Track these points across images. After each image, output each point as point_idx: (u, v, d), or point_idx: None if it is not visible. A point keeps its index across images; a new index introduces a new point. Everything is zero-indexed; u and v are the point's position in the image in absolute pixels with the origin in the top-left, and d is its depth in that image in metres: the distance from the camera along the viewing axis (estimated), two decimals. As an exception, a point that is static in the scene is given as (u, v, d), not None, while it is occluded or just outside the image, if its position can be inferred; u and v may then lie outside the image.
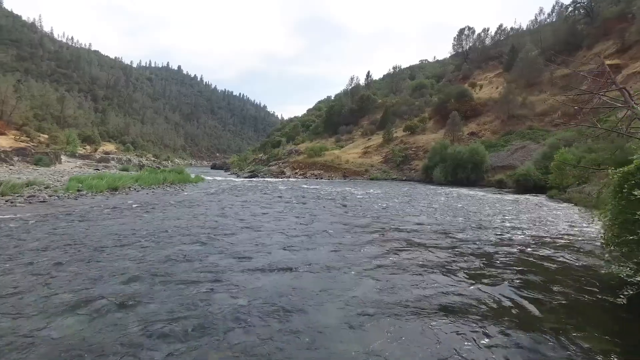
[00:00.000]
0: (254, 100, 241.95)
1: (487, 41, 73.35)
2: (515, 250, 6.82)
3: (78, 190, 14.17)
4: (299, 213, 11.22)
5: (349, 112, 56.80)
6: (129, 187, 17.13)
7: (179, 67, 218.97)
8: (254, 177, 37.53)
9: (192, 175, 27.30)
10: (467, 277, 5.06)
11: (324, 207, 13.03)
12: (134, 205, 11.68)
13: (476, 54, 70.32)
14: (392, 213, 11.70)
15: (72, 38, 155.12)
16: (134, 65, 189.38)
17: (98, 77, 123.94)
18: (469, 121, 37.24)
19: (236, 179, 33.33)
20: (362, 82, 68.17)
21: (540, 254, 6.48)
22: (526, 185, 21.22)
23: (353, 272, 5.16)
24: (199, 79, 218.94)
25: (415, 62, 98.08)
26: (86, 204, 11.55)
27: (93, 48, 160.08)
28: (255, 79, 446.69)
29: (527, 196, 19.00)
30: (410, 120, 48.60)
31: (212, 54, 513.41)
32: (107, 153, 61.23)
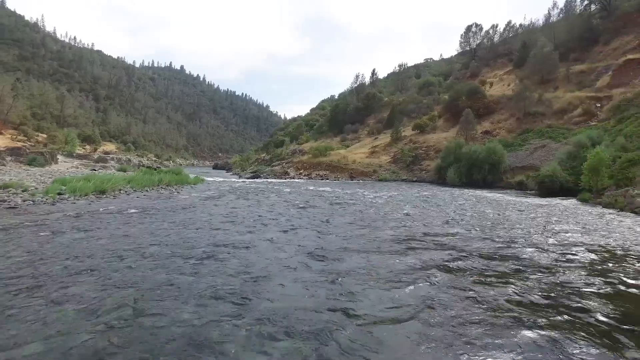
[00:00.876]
0: (257, 100, 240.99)
1: (496, 38, 71.59)
2: (597, 276, 5.15)
3: (59, 194, 12.62)
4: (312, 222, 9.61)
5: (354, 111, 55.15)
6: (119, 190, 15.59)
7: (182, 66, 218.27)
8: (257, 178, 35.97)
9: (192, 176, 25.82)
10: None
11: (340, 215, 11.40)
12: (115, 213, 10.11)
13: (484, 51, 68.54)
14: (418, 221, 10.06)
15: (74, 38, 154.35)
16: (137, 65, 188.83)
17: (100, 76, 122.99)
18: (482, 119, 35.50)
19: (238, 180, 31.81)
20: (367, 80, 66.54)
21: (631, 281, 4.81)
22: (551, 188, 19.48)
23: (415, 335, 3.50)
24: (201, 79, 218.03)
25: (419, 61, 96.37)
26: (61, 211, 9.98)
27: (96, 48, 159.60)
28: (258, 79, 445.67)
29: (555, 199, 17.29)
30: (419, 119, 46.93)
31: (215, 54, 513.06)
32: (106, 153, 59.96)
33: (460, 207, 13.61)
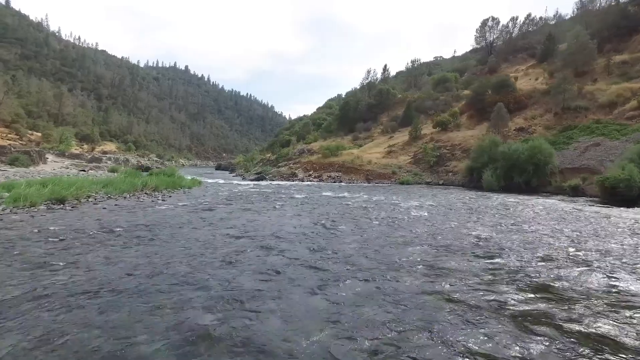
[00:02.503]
0: (261, 100, 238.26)
1: (515, 32, 67.67)
2: None
3: (-8, 204, 9.26)
4: (339, 254, 6.08)
5: (366, 108, 51.49)
6: (88, 197, 12.20)
7: (186, 67, 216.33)
8: (262, 180, 32.53)
9: (188, 177, 22.44)
10: None
11: (376, 236, 7.86)
12: (34, 239, 6.65)
13: (503, 45, 64.62)
14: (509, 252, 6.48)
15: (79, 37, 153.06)
16: (142, 65, 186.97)
17: (103, 75, 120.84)
18: (513, 115, 31.70)
19: (241, 182, 28.39)
20: (379, 76, 62.84)
21: None
22: (624, 194, 15.75)
23: None
24: (206, 79, 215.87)
25: (428, 59, 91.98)
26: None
27: (100, 47, 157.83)
28: (262, 79, 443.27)
29: (635, 209, 13.58)
30: (437, 116, 43.23)
31: (219, 54, 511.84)
32: (104, 153, 57.04)
33: (533, 221, 10.00)
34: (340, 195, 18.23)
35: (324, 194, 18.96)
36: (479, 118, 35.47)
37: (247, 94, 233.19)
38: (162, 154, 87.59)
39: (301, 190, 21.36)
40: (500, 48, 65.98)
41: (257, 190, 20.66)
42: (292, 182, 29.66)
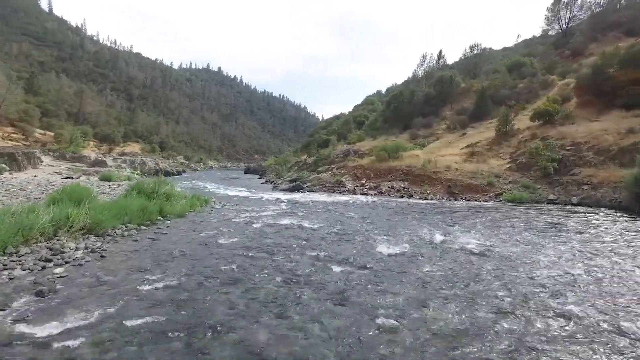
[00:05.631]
0: (294, 101, 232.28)
1: (604, 5, 55.39)
2: None
3: None
4: None
5: (423, 100, 41.89)
6: None
7: (219, 68, 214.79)
8: (298, 190, 24.16)
9: (193, 185, 14.41)
10: None
11: None
12: None
13: (590, 21, 52.60)
14: None
15: (114, 41, 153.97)
16: (175, 67, 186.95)
17: (135, 76, 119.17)
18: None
19: (270, 195, 20.12)
20: (433, 63, 52.92)
21: None
22: None
23: None
24: (238, 80, 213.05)
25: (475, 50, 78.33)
26: None
27: (135, 51, 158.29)
28: (293, 81, 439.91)
29: None
30: (522, 107, 33.08)
31: (252, 57, 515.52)
32: (123, 154, 51.35)
33: None
34: (461, 237, 9.16)
35: (422, 232, 10.05)
36: (602, 105, 25.13)
37: (280, 94, 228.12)
38: (190, 155, 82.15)
39: (366, 214, 12.62)
40: (584, 26, 54.15)
41: (295, 215, 12.16)
42: (342, 197, 20.97)
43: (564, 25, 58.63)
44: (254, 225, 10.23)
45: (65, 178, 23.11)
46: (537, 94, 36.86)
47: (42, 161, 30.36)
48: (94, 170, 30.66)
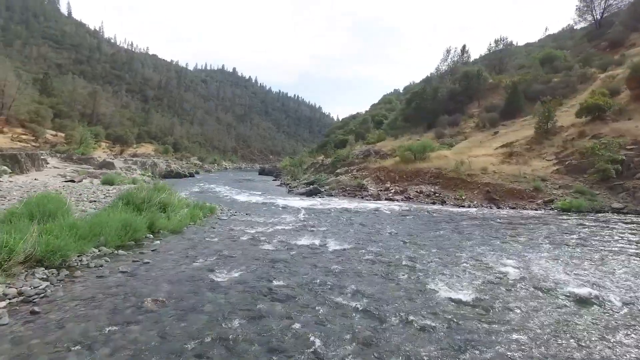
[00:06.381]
0: (309, 102, 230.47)
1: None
2: None
3: None
4: None
5: (448, 97, 39.05)
6: None
7: (234, 69, 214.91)
8: (315, 195, 21.96)
9: (202, 189, 12.38)
10: None
11: None
12: None
13: (631, 9, 48.55)
14: None
15: (131, 43, 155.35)
16: (190, 68, 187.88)
17: (150, 77, 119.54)
18: None
19: (285, 201, 17.94)
20: (456, 59, 49.78)
21: None
22: None
23: None
24: (253, 81, 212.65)
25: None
26: None
27: (151, 52, 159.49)
28: (308, 81, 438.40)
29: None
30: (559, 102, 29.91)
31: (266, 59, 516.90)
32: (135, 155, 50.31)
33: None
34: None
35: (509, 270, 7.68)
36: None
37: (295, 95, 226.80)
38: (204, 156, 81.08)
39: (407, 234, 10.29)
40: (624, 15, 50.09)
41: (316, 241, 9.92)
42: (364, 203, 18.64)
43: (598, 16, 54.77)
44: (265, 247, 8.03)
45: (66, 181, 21.53)
46: (575, 88, 33.60)
47: (47, 163, 29.14)
48: (100, 172, 29.23)
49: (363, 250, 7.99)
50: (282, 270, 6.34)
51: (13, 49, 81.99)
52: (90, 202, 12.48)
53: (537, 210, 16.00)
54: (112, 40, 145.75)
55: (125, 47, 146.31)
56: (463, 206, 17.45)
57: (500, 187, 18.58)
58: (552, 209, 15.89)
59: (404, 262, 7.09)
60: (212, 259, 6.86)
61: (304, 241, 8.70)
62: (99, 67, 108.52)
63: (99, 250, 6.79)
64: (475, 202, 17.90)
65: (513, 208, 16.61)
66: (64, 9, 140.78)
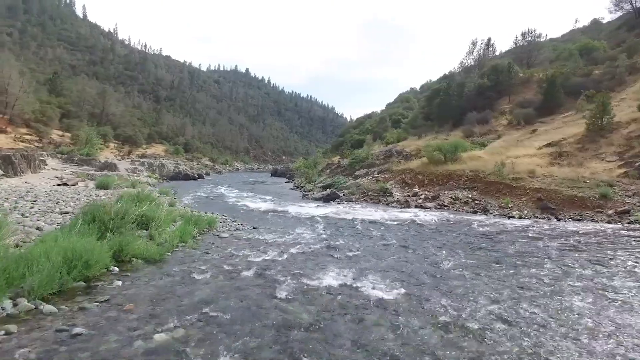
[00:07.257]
0: (322, 102, 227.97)
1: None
2: None
3: None
4: None
5: (475, 92, 35.86)
6: None
7: (247, 69, 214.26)
8: (334, 201, 19.31)
9: (209, 193, 9.93)
10: None
11: None
12: None
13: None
14: None
15: (145, 44, 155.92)
16: (203, 68, 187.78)
17: (163, 78, 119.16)
18: None
19: (299, 209, 15.32)
20: (481, 53, 46.38)
21: None
22: None
23: None
24: (266, 81, 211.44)
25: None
26: None
27: (164, 53, 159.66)
28: (321, 82, 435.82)
29: None
30: (597, 96, 26.45)
31: (280, 60, 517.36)
32: (143, 156, 48.68)
33: None
34: None
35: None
36: None
37: (308, 95, 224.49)
38: (215, 157, 79.36)
39: (461, 262, 7.56)
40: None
41: (344, 276, 7.27)
42: (392, 211, 15.88)
43: (638, 4, 50.69)
44: (275, 293, 5.42)
45: (59, 184, 19.46)
46: (624, 80, 30.15)
47: (45, 164, 27.37)
48: (101, 174, 27.29)
49: (423, 300, 5.29)
50: (295, 350, 3.71)
51: (29, 51, 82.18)
52: (63, 213, 10.13)
53: (610, 223, 12.96)
54: (126, 42, 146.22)
55: (139, 48, 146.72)
56: (512, 216, 14.52)
57: (556, 193, 15.54)
58: (630, 221, 12.83)
59: (497, 326, 4.38)
60: (189, 322, 4.28)
61: (329, 280, 6.05)
62: (112, 68, 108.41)
63: (14, 305, 4.31)
64: (526, 212, 14.93)
65: (577, 220, 13.60)
66: (79, 12, 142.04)
